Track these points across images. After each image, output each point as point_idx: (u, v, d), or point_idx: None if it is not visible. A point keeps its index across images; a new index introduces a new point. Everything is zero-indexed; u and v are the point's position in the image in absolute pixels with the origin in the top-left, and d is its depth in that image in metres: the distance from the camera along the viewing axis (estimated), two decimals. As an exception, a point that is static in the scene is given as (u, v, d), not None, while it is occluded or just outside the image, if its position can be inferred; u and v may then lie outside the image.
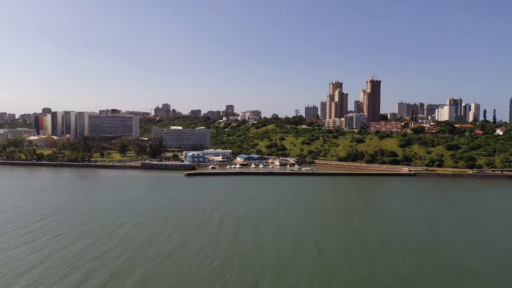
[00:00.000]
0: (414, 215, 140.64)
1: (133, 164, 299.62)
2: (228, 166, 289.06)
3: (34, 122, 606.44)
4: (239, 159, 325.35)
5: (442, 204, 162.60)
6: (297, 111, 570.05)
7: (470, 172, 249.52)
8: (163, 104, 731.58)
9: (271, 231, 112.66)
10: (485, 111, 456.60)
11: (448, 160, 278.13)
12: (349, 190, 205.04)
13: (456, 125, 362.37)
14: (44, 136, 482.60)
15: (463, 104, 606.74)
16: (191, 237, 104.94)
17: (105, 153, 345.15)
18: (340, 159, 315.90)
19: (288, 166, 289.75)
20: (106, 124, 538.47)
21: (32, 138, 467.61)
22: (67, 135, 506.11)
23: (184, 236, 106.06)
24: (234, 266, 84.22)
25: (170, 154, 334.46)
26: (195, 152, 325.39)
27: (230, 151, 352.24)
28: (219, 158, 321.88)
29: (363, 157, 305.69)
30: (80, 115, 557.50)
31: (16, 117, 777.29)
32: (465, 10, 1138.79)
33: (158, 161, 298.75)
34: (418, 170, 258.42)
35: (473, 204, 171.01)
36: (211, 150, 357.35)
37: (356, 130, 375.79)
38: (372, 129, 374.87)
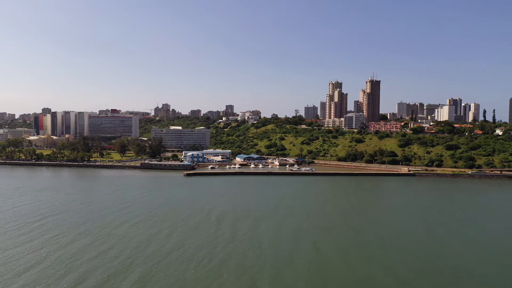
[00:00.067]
0: (413, 215, 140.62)
1: (132, 164, 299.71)
2: (227, 166, 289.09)
3: (34, 122, 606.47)
4: (238, 159, 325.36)
5: (441, 204, 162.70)
6: (296, 111, 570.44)
7: (470, 172, 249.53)
8: (163, 104, 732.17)
9: (269, 231, 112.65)
10: (484, 111, 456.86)
11: (448, 160, 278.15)
12: (348, 190, 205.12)
13: (455, 125, 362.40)
14: (43, 136, 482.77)
15: (462, 104, 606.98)
16: (189, 237, 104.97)
17: (104, 153, 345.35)
18: (339, 159, 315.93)
19: (287, 166, 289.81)
20: (105, 124, 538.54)
21: (31, 138, 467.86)
22: (66, 135, 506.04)
23: (182, 236, 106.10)
24: (231, 266, 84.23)
25: (169, 154, 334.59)
26: (195, 152, 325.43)
27: (230, 151, 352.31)
28: (219, 158, 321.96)
29: (362, 157, 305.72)
30: (79, 115, 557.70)
31: (16, 117, 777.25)
32: (465, 10, 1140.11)
33: (158, 161, 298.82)
34: (417, 170, 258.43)
35: (472, 204, 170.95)
36: (211, 150, 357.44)
37: (355, 130, 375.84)
38: (372, 129, 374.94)
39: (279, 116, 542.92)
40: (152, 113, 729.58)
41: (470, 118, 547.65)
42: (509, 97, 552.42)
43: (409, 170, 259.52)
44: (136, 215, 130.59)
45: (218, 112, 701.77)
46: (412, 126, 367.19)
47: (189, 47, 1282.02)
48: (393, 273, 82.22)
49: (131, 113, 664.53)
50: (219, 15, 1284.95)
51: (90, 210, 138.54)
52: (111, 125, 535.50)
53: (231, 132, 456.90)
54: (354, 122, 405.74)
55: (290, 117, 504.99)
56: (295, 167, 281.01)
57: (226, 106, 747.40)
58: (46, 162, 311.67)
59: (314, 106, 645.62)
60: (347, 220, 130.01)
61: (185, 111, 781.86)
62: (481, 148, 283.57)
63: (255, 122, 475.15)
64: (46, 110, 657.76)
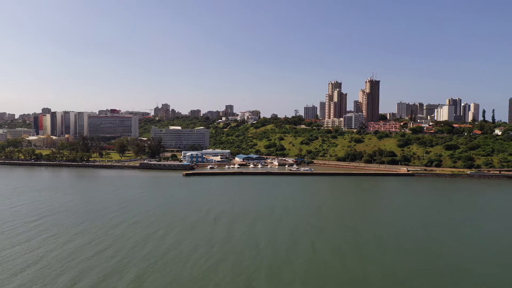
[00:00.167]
0: (411, 215, 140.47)
1: (131, 164, 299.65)
2: (226, 166, 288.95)
3: (34, 122, 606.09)
4: (237, 159, 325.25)
5: (440, 204, 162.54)
6: (296, 111, 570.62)
7: (469, 172, 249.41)
8: (162, 104, 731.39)
9: (267, 231, 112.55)
10: (484, 111, 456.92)
11: (447, 160, 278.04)
12: (347, 190, 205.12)
13: (455, 125, 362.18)
14: (43, 136, 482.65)
15: (462, 104, 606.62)
16: (186, 237, 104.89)
17: (103, 153, 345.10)
18: (338, 159, 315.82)
19: (286, 166, 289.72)
20: (105, 124, 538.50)
21: (31, 138, 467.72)
22: (66, 135, 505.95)
23: (179, 236, 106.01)
24: (228, 265, 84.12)
25: (169, 154, 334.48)
26: (194, 152, 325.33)
27: (229, 151, 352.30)
28: (218, 158, 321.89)
29: (361, 157, 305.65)
30: (79, 115, 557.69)
31: (16, 117, 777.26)
32: (465, 10, 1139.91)
33: (157, 161, 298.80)
34: (416, 170, 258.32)
35: (471, 204, 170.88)
36: (210, 150, 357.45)
37: (355, 130, 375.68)
38: (371, 129, 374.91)
39: (278, 116, 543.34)
40: (152, 113, 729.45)
41: (470, 118, 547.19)
42: (508, 97, 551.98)
43: (408, 170, 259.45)
44: (134, 215, 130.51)
45: (217, 112, 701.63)
46: (411, 126, 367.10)
47: (189, 47, 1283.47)
48: (391, 273, 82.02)
49: (131, 113, 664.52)
50: (219, 15, 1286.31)
51: (88, 210, 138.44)
52: (110, 125, 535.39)
53: (230, 132, 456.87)
54: (353, 122, 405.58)
55: (290, 117, 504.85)
56: (294, 167, 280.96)
57: (226, 106, 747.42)
58: (45, 162, 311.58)
59: (313, 106, 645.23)
60: (346, 220, 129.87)
61: (185, 111, 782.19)
62: (480, 148, 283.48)
63: (254, 122, 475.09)
64: (45, 110, 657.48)
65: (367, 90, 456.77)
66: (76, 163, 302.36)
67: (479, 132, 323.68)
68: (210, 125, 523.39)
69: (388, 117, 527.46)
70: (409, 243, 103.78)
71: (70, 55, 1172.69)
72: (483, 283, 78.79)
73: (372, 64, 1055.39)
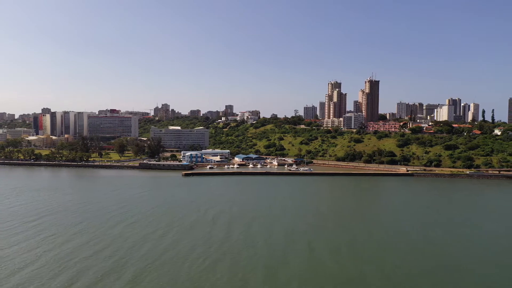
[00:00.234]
0: (410, 215, 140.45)
1: (131, 164, 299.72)
2: (226, 166, 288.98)
3: (33, 122, 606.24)
4: (237, 159, 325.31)
5: (440, 204, 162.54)
6: (296, 111, 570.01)
7: (468, 172, 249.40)
8: (162, 104, 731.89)
9: (264, 231, 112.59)
10: (483, 111, 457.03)
11: (446, 160, 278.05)
12: (346, 190, 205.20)
13: (454, 125, 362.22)
14: (43, 136, 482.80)
15: (462, 104, 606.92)
16: (184, 237, 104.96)
17: (103, 153, 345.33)
18: (338, 159, 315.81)
19: (286, 166, 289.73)
20: (105, 124, 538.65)
21: (30, 138, 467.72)
22: (66, 135, 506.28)
23: (177, 236, 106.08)
24: (225, 265, 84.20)
25: (168, 154, 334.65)
26: (193, 152, 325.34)
27: (228, 151, 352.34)
28: (217, 158, 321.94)
29: (361, 157, 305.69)
30: (79, 115, 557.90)
31: (16, 117, 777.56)
32: (465, 10, 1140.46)
33: (156, 161, 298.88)
34: (415, 170, 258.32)
35: (470, 204, 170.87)
36: (209, 150, 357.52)
37: (354, 130, 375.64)
38: (371, 129, 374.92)
39: (278, 116, 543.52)
40: (152, 113, 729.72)
41: (470, 118, 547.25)
42: (508, 97, 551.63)
43: (408, 170, 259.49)
44: (132, 215, 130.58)
45: (217, 112, 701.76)
46: (410, 126, 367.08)
47: (189, 47, 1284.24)
48: (390, 274, 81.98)
49: (131, 113, 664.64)
50: (219, 15, 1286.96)
51: (87, 210, 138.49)
52: (110, 125, 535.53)
53: (230, 132, 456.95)
54: (353, 122, 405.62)
55: (290, 117, 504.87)
56: (294, 167, 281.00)
57: (226, 106, 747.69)
58: (45, 162, 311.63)
59: (313, 106, 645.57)
60: (344, 220, 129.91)
61: (184, 111, 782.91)
62: (479, 148, 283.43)
63: (254, 122, 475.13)
64: (45, 110, 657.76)
65: (367, 90, 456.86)
66: (76, 163, 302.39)
67: (479, 132, 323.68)
68: (209, 125, 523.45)
69: (388, 117, 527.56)
70: (408, 243, 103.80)
71: (70, 55, 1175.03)
72: (483, 283, 78.76)
73: (372, 64, 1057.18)
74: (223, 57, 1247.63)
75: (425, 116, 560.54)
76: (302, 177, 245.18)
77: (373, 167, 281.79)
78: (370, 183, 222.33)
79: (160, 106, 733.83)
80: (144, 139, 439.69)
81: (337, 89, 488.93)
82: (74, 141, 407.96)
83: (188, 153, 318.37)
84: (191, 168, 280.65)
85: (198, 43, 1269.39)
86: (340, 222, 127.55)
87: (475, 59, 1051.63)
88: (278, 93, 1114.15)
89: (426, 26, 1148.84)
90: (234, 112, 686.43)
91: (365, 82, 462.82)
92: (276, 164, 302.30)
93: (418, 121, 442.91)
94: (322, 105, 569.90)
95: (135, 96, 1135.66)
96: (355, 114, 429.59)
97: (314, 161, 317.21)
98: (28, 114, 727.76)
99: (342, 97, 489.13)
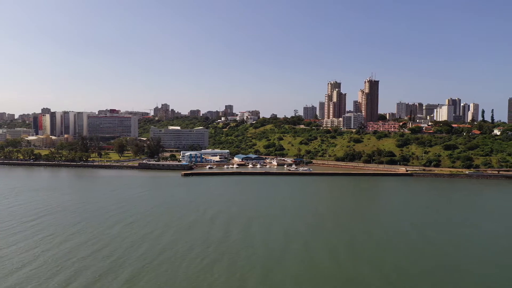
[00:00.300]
0: (410, 215, 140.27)
1: (130, 164, 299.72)
2: (225, 166, 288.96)
3: (33, 122, 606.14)
4: (236, 159, 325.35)
5: (439, 204, 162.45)
6: (295, 111, 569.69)
7: (467, 172, 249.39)
8: (162, 104, 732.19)
9: (263, 231, 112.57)
10: (483, 111, 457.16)
11: (445, 160, 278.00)
12: (346, 190, 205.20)
13: (454, 125, 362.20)
14: (42, 136, 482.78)
15: (462, 104, 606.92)
16: (182, 237, 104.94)
17: (103, 153, 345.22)
18: (337, 159, 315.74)
19: (285, 166, 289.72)
20: (104, 124, 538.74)
21: (30, 138, 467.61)
22: (65, 135, 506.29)
23: (175, 236, 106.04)
24: (223, 265, 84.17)
25: (168, 154, 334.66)
26: (193, 152, 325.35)
27: (228, 151, 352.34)
28: (217, 158, 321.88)
29: (360, 157, 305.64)
30: (79, 115, 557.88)
31: (15, 117, 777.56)
32: (465, 10, 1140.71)
33: (156, 161, 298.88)
34: (415, 170, 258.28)
35: (470, 204, 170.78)
36: (209, 150, 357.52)
37: (354, 130, 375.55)
38: (370, 129, 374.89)
39: (278, 116, 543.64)
40: (152, 113, 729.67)
41: (469, 118, 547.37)
42: (508, 97, 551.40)
43: (407, 170, 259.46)
44: (131, 215, 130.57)
45: (217, 112, 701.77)
46: (410, 126, 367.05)
47: (189, 47, 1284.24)
48: (389, 274, 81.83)
49: (130, 113, 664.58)
50: (219, 15, 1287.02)
51: (86, 210, 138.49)
52: (110, 125, 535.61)
53: (229, 132, 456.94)
54: (352, 122, 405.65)
55: (289, 117, 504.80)
56: (293, 167, 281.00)
57: (226, 106, 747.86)
58: (44, 162, 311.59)
59: (313, 106, 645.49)
60: (343, 220, 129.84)
61: (184, 111, 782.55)
62: (478, 148, 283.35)
63: (254, 122, 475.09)
64: (45, 110, 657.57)
65: (366, 90, 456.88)
66: (75, 163, 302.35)
67: (478, 132, 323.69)
68: (209, 125, 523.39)
69: (387, 117, 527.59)
70: (407, 243, 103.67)
71: (70, 55, 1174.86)
72: (482, 283, 78.66)
73: (372, 64, 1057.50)
74: (223, 57, 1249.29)
75: (424, 116, 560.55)
76: (302, 177, 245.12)
77: (372, 167, 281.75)
78: (369, 183, 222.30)
79: (160, 106, 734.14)
80: (144, 139, 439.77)
81: (336, 89, 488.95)
82: (74, 141, 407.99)
83: (188, 153, 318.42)
84: (191, 168, 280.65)
85: (198, 43, 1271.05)
86: (339, 222, 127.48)
87: (475, 59, 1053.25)
88: (278, 93, 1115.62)
89: (426, 26, 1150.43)
90: (234, 112, 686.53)
91: (365, 82, 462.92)
92: (276, 164, 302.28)
93: (417, 121, 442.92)
94: (321, 105, 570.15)
95: (135, 96, 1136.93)
96: (355, 114, 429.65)
97: (314, 161, 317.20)
98: (28, 114, 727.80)
99: (341, 97, 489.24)
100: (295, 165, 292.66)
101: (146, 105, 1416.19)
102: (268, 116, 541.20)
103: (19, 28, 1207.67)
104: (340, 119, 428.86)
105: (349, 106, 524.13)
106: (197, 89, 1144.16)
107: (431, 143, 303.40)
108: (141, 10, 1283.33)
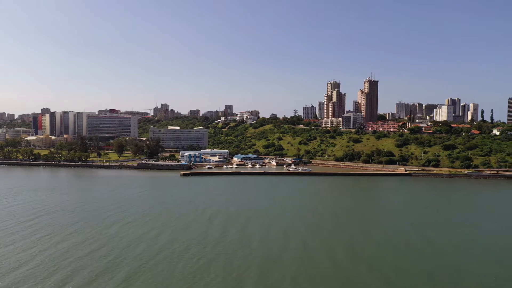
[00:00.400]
0: (409, 215, 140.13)
1: (129, 164, 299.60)
2: (224, 166, 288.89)
3: (33, 122, 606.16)
4: (236, 159, 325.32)
5: (438, 204, 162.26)
6: (295, 111, 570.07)
7: (466, 172, 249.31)
8: (162, 104, 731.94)
9: (260, 231, 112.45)
10: (482, 111, 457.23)
11: (445, 160, 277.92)
12: (345, 190, 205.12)
13: (453, 125, 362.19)
14: (42, 136, 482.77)
15: (461, 104, 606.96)
16: (179, 237, 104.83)
17: (102, 153, 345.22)
18: (337, 159, 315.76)
19: (284, 166, 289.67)
20: (104, 124, 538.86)
21: (30, 138, 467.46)
22: (65, 135, 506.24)
23: (173, 236, 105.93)
24: (220, 265, 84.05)
25: (167, 154, 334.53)
26: (192, 152, 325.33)
27: (227, 151, 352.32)
28: (216, 158, 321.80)
29: (359, 157, 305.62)
30: (78, 115, 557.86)
31: (15, 117, 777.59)
32: (465, 10, 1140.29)
33: (155, 161, 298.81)
34: (414, 170, 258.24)
35: (469, 204, 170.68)
36: (208, 150, 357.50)
37: (353, 130, 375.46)
38: (369, 129, 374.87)
39: (278, 116, 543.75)
40: (151, 113, 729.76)
41: (469, 118, 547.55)
42: (508, 97, 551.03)
43: (406, 170, 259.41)
44: (129, 215, 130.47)
45: (217, 112, 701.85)
46: (409, 126, 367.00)
47: (189, 47, 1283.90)
48: (389, 274, 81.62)
49: (130, 113, 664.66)
50: (219, 15, 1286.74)
51: (84, 210, 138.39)
52: (109, 125, 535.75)
53: (229, 132, 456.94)
54: (351, 122, 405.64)
55: (289, 117, 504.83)
56: (292, 167, 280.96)
57: (225, 106, 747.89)
58: (44, 162, 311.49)
59: (312, 106, 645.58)
60: (342, 220, 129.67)
61: (184, 111, 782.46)
62: (478, 148, 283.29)
63: (253, 122, 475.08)
64: (45, 110, 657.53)
65: (366, 90, 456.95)
66: (75, 163, 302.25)
67: (477, 132, 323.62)
68: (209, 125, 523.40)
69: (387, 117, 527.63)
70: (407, 243, 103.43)
71: (70, 55, 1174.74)
72: (482, 283, 78.47)
73: (372, 64, 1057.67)
74: (223, 57, 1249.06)
75: (424, 116, 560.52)
76: (301, 177, 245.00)
77: (371, 167, 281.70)
78: (368, 183, 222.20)
79: (159, 106, 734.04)
80: (143, 139, 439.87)
81: (336, 89, 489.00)
82: (73, 141, 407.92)
83: (187, 153, 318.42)
84: (190, 168, 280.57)
85: (198, 43, 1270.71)
86: (338, 222, 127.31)
87: (475, 59, 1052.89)
88: (278, 93, 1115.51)
89: (426, 26, 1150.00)
90: (233, 112, 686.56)
91: (364, 82, 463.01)
92: (275, 164, 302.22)
93: (417, 121, 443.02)
94: (321, 105, 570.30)
95: (135, 96, 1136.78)
96: (354, 114, 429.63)
97: (313, 161, 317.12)
98: (28, 114, 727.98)
99: (341, 97, 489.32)
100: (294, 165, 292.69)
101: (146, 105, 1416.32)
102: (267, 116, 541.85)
103: (19, 28, 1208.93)
104: (340, 119, 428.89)
105: (349, 106, 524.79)
106: (197, 89, 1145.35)
107: (430, 143, 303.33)
108: (141, 10, 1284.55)
